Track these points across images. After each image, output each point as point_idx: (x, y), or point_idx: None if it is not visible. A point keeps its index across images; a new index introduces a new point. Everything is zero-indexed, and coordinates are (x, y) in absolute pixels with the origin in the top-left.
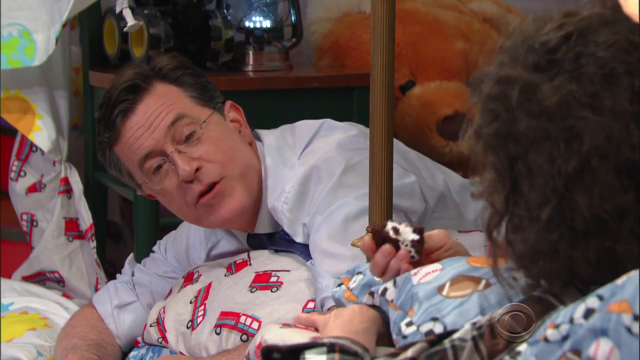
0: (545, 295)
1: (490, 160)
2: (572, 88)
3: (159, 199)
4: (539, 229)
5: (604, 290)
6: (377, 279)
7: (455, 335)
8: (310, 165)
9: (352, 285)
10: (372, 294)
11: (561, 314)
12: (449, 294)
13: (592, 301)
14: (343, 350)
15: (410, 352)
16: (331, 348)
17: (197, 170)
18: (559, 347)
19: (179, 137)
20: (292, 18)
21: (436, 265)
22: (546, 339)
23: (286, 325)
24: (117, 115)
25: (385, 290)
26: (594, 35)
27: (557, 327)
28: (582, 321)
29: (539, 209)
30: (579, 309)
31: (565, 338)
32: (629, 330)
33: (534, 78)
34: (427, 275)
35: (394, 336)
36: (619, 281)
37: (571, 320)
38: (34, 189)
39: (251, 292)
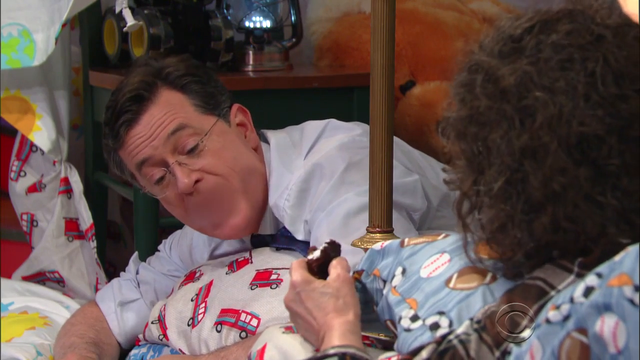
0: (534, 282)
1: (461, 147)
2: (528, 70)
3: (163, 204)
4: (495, 202)
5: (602, 268)
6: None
7: (459, 331)
8: (313, 163)
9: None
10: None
11: (561, 295)
12: (455, 285)
13: (591, 279)
14: (354, 358)
15: (424, 354)
16: (342, 357)
17: (197, 182)
18: (562, 327)
19: (181, 148)
20: (292, 18)
21: (445, 257)
22: (548, 321)
23: (288, 329)
24: (121, 125)
25: (393, 277)
26: (556, 25)
27: (557, 307)
28: (583, 299)
29: (494, 183)
30: (579, 288)
31: (566, 318)
32: (631, 301)
33: (497, 63)
34: (436, 270)
35: (386, 317)
36: (617, 257)
37: (571, 300)
38: (34, 189)
39: (251, 289)
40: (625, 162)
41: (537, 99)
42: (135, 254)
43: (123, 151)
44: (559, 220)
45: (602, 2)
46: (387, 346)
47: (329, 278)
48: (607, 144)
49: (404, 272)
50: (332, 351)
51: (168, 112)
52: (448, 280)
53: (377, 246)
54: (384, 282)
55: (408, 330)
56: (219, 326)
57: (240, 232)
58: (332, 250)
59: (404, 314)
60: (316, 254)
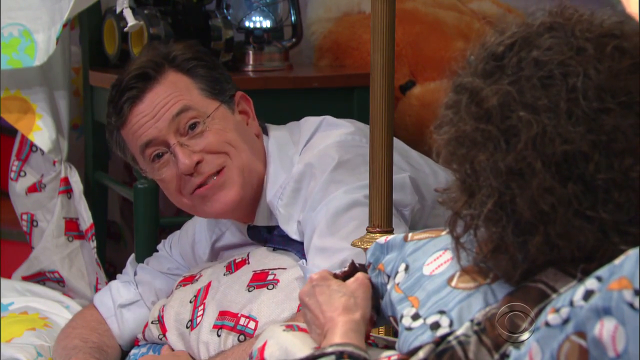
0: (535, 284)
1: (454, 167)
2: (510, 90)
3: (158, 183)
4: (486, 225)
5: (602, 272)
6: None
7: (459, 332)
8: (305, 162)
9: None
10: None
11: (561, 298)
12: (457, 284)
13: (591, 283)
14: (351, 357)
15: (421, 354)
16: (339, 356)
17: (197, 163)
18: (561, 331)
19: (183, 128)
20: (292, 18)
21: (447, 255)
22: (547, 324)
23: (289, 327)
24: (125, 102)
25: (396, 273)
26: (537, 41)
27: (557, 311)
28: (582, 303)
29: (483, 206)
30: (579, 291)
31: (566, 321)
32: (631, 305)
33: (480, 83)
34: (439, 267)
35: (389, 313)
36: (617, 261)
37: (571, 303)
38: (34, 189)
39: (249, 291)
40: (614, 176)
41: (521, 119)
42: (132, 256)
43: (126, 130)
44: (552, 239)
45: (582, 13)
46: (390, 345)
47: (347, 281)
48: (593, 160)
49: (407, 268)
50: (330, 349)
51: (172, 93)
52: (450, 279)
53: (382, 240)
54: (388, 277)
55: (409, 329)
56: (219, 330)
57: (230, 209)
58: (362, 266)
59: (406, 312)
60: (345, 267)
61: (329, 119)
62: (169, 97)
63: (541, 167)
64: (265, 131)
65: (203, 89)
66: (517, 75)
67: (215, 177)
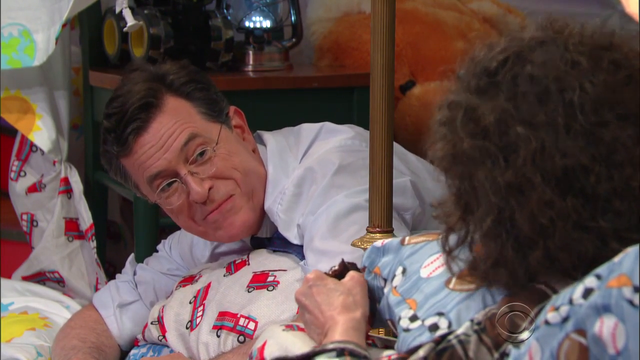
0: (537, 285)
1: (448, 183)
2: (507, 106)
3: (166, 211)
4: (485, 241)
5: (601, 270)
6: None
7: (459, 331)
8: (305, 167)
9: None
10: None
11: (560, 297)
12: (455, 286)
13: (590, 281)
14: (352, 354)
15: (421, 352)
16: (340, 352)
17: (209, 189)
18: (561, 329)
19: (191, 156)
20: (292, 18)
21: (445, 257)
22: (547, 322)
23: (289, 327)
24: (130, 133)
25: (393, 277)
26: (530, 55)
27: (556, 309)
28: (582, 301)
29: (482, 222)
30: (578, 289)
31: (565, 319)
32: (630, 302)
33: (476, 100)
34: (436, 270)
35: (387, 317)
36: (616, 259)
37: (570, 301)
38: (34, 189)
39: (248, 292)
40: (615, 186)
41: (519, 135)
42: (132, 255)
43: (131, 161)
44: (552, 253)
45: (572, 26)
46: (389, 346)
47: (343, 279)
48: (594, 172)
49: (404, 271)
50: (331, 346)
51: (177, 121)
52: (448, 281)
53: (378, 243)
54: (385, 280)
55: (407, 330)
56: (219, 331)
57: (243, 232)
58: (352, 265)
59: (403, 314)
60: (335, 266)
61: (328, 125)
62: (175, 126)
63: (541, 182)
64: (260, 140)
65: (204, 113)
66: (513, 92)
67: (225, 202)
